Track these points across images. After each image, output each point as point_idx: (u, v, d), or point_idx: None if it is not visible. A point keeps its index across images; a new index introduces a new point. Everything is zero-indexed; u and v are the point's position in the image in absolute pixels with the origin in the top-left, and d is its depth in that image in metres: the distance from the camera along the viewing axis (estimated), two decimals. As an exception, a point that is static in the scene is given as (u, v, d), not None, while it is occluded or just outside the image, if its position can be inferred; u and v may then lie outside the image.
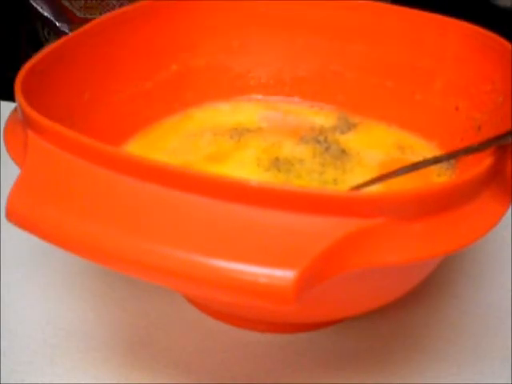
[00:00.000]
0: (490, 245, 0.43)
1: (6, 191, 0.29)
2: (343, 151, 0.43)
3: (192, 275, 0.26)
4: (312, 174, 0.40)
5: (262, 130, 0.45)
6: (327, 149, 0.43)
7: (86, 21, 0.41)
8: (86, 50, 0.40)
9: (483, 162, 0.29)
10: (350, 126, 0.45)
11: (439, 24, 0.43)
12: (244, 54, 0.47)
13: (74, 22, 0.76)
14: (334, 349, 0.37)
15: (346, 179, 0.40)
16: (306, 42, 0.47)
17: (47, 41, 0.79)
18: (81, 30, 0.40)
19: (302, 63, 0.48)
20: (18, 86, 0.33)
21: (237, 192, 0.27)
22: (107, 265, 0.28)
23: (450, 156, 0.35)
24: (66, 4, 0.76)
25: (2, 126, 0.34)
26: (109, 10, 0.73)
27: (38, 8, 0.77)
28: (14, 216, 0.29)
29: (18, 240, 0.42)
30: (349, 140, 0.44)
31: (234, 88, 0.48)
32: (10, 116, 0.35)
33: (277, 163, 0.41)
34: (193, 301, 0.39)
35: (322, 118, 0.46)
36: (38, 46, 0.79)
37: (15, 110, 0.34)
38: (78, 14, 0.76)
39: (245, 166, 0.41)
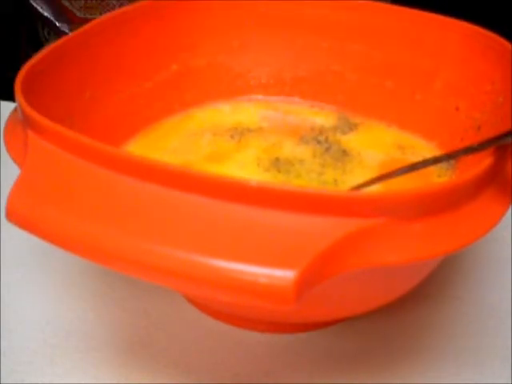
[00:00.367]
0: (490, 245, 0.43)
1: (5, 191, 0.29)
2: (344, 151, 0.43)
3: (192, 275, 0.26)
4: (312, 175, 0.40)
5: (262, 129, 0.45)
6: (328, 149, 0.43)
7: (86, 21, 0.41)
8: (86, 50, 0.40)
9: (483, 162, 0.29)
10: (351, 126, 0.45)
11: (439, 24, 0.43)
12: (244, 54, 0.47)
13: (74, 22, 0.76)
14: (334, 349, 0.37)
15: (346, 180, 0.40)
16: (306, 41, 0.47)
17: (47, 41, 0.79)
18: (81, 29, 0.40)
19: (302, 63, 0.48)
20: (18, 86, 0.33)
21: (237, 192, 0.27)
22: (107, 265, 0.28)
23: (450, 156, 0.35)
24: (66, 4, 0.76)
25: (2, 126, 0.34)
26: (109, 10, 0.73)
27: (38, 8, 0.77)
28: (14, 216, 0.29)
29: (18, 240, 0.42)
30: (350, 140, 0.44)
31: (234, 88, 0.48)
32: (9, 116, 0.35)
33: (277, 163, 0.41)
34: (193, 301, 0.39)
35: (322, 118, 0.46)
36: (38, 45, 0.79)
37: (15, 109, 0.34)
38: (78, 13, 0.76)
39: (245, 166, 0.41)
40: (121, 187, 0.28)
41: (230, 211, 0.27)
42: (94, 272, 0.42)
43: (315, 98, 0.48)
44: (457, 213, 0.28)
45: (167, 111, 0.45)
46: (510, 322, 0.39)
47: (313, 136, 0.44)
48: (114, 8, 0.75)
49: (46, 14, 0.77)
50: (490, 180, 0.29)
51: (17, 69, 0.34)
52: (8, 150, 0.32)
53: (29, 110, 0.31)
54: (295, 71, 0.48)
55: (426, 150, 0.43)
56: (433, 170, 0.40)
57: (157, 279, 0.27)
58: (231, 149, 0.43)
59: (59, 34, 0.76)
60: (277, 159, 0.42)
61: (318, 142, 0.44)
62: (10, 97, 0.38)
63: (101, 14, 0.74)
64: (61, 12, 0.77)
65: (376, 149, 0.43)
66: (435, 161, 0.35)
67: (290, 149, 0.43)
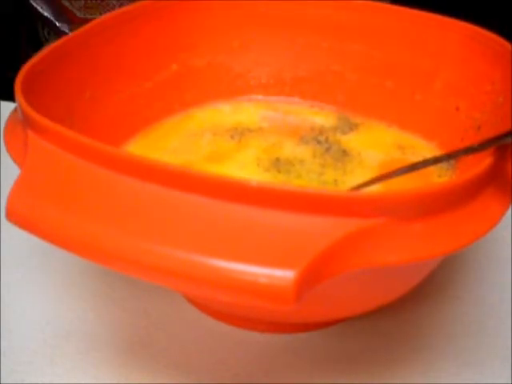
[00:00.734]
0: (490, 245, 0.43)
1: (5, 191, 0.29)
2: (344, 152, 0.43)
3: (192, 275, 0.26)
4: (312, 175, 0.40)
5: (262, 130, 0.45)
6: (328, 149, 0.43)
7: (86, 21, 0.41)
8: (86, 49, 0.40)
9: (483, 162, 0.29)
10: (351, 127, 0.45)
11: (439, 24, 0.43)
12: (244, 54, 0.47)
13: (74, 22, 0.76)
14: (334, 349, 0.37)
15: (346, 180, 0.40)
16: (306, 41, 0.47)
17: (47, 41, 0.79)
18: (81, 29, 0.40)
19: (302, 63, 0.48)
20: (18, 86, 0.33)
21: (237, 192, 0.27)
22: (107, 265, 0.28)
23: (450, 156, 0.35)
24: (66, 4, 0.76)
25: (2, 126, 0.34)
26: (109, 10, 0.73)
27: (38, 8, 0.77)
28: (14, 216, 0.29)
29: (18, 240, 0.42)
30: (350, 140, 0.44)
31: (234, 88, 0.48)
32: (9, 116, 0.35)
33: (277, 163, 0.41)
34: (193, 301, 0.39)
35: (322, 118, 0.46)
36: (38, 45, 0.79)
37: (15, 110, 0.34)
38: (78, 14, 0.76)
39: (245, 166, 0.41)
40: (121, 187, 0.28)
41: (230, 211, 0.27)
42: (93, 272, 0.42)
43: (315, 98, 0.48)
44: (457, 213, 0.28)
45: (167, 111, 0.45)
46: (510, 322, 0.39)
47: (313, 136, 0.44)
48: (113, 8, 0.75)
49: (46, 13, 0.77)
50: (489, 180, 0.29)
51: (17, 69, 0.34)
52: (8, 150, 0.32)
53: (29, 110, 0.31)
54: (295, 71, 0.48)
55: (426, 149, 0.43)
56: (433, 170, 0.40)
57: (157, 279, 0.27)
58: (231, 149, 0.43)
59: (59, 33, 0.76)
60: (277, 159, 0.42)
61: (318, 142, 0.44)
62: (10, 97, 0.38)
63: (101, 14, 0.74)
64: (61, 12, 0.77)
65: (376, 149, 0.43)
66: (435, 161, 0.35)
67: (290, 149, 0.43)
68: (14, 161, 0.32)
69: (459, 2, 0.81)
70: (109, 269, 0.28)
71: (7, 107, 0.36)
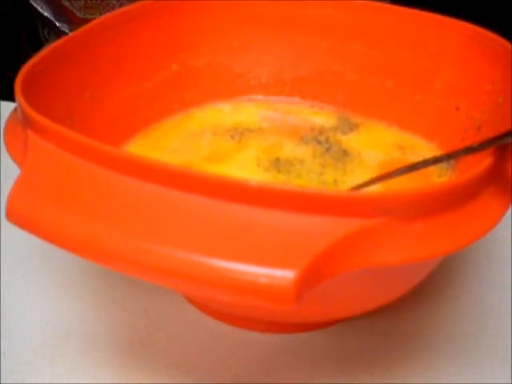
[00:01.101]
0: (490, 245, 0.43)
1: (5, 191, 0.29)
2: (344, 152, 0.43)
3: (192, 275, 0.26)
4: (312, 175, 0.40)
5: (262, 130, 0.45)
6: (328, 149, 0.43)
7: (86, 21, 0.41)
8: (86, 49, 0.40)
9: (483, 162, 0.29)
10: (351, 127, 0.45)
11: (439, 24, 0.43)
12: (244, 54, 0.47)
13: (74, 22, 0.76)
14: (334, 349, 0.37)
15: (346, 180, 0.40)
16: (306, 41, 0.47)
17: (47, 41, 0.79)
18: (81, 29, 0.40)
19: (302, 63, 0.48)
20: (18, 86, 0.33)
21: (237, 192, 0.27)
22: (107, 265, 0.28)
23: (450, 156, 0.35)
24: (66, 4, 0.76)
25: (2, 126, 0.34)
26: (109, 10, 0.73)
27: (38, 8, 0.77)
28: (14, 216, 0.29)
29: (18, 240, 0.42)
30: (350, 140, 0.44)
31: (234, 88, 0.48)
32: (9, 116, 0.35)
33: (277, 163, 0.41)
34: (193, 301, 0.39)
35: (322, 118, 0.46)
36: (38, 45, 0.79)
37: (15, 110, 0.34)
38: (78, 14, 0.76)
39: (245, 166, 0.41)
40: (121, 187, 0.28)
41: (230, 211, 0.27)
42: (93, 272, 0.42)
43: (315, 98, 0.48)
44: (457, 213, 0.28)
45: (167, 111, 0.45)
46: (510, 322, 0.39)
47: (313, 136, 0.44)
48: (114, 8, 0.75)
49: (46, 14, 0.77)
50: (490, 180, 0.29)
51: (17, 69, 0.34)
52: (8, 150, 0.32)
53: (29, 110, 0.31)
54: (295, 71, 0.48)
55: (426, 149, 0.43)
56: (433, 170, 0.40)
57: (157, 279, 0.27)
58: (231, 149, 0.43)
59: (59, 33, 0.76)
60: (277, 159, 0.42)
61: (318, 142, 0.44)
62: (10, 97, 0.38)
63: (101, 14, 0.74)
64: (61, 12, 0.77)
65: (376, 149, 0.43)
66: (435, 161, 0.35)
67: (290, 149, 0.43)
68: (14, 161, 0.32)
69: (459, 2, 0.81)
70: (109, 269, 0.28)
71: (7, 107, 0.36)
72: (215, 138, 0.44)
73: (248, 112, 0.47)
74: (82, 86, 0.40)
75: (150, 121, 0.44)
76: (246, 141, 0.44)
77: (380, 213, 0.27)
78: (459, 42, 0.42)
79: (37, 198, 0.29)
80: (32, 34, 0.81)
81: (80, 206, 0.28)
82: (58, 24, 0.77)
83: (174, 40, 0.45)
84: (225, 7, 0.47)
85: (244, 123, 0.46)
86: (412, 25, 0.44)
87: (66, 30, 0.76)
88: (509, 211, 0.29)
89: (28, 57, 0.36)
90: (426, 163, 0.34)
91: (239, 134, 0.45)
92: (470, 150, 0.33)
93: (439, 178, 0.40)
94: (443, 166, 0.40)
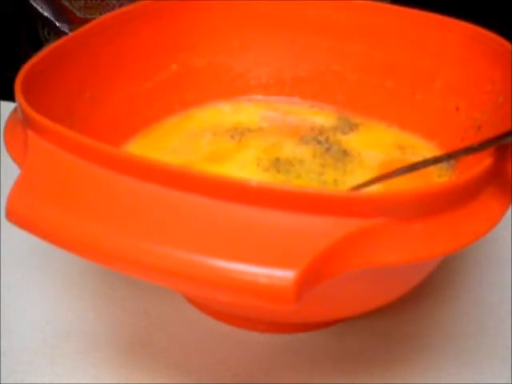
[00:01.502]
0: (490, 245, 0.43)
1: (5, 191, 0.29)
2: (344, 152, 0.43)
3: (192, 275, 0.26)
4: (312, 175, 0.40)
5: (262, 130, 0.45)
6: (328, 149, 0.43)
7: (86, 21, 0.41)
8: (86, 49, 0.40)
9: (483, 162, 0.29)
10: (351, 127, 0.45)
11: (439, 24, 0.43)
12: (244, 54, 0.47)
13: (74, 22, 0.76)
14: (334, 349, 0.37)
15: (346, 180, 0.40)
16: (306, 41, 0.47)
17: (47, 41, 0.79)
18: (81, 29, 0.40)
19: (302, 63, 0.48)
20: (18, 86, 0.33)
21: (237, 192, 0.27)
22: (107, 265, 0.28)
23: (450, 156, 0.35)
24: (66, 4, 0.76)
25: (2, 126, 0.34)
26: (109, 10, 0.73)
27: (38, 8, 0.77)
28: (14, 216, 0.29)
29: (18, 240, 0.42)
30: (350, 140, 0.44)
31: (234, 88, 0.48)
32: (9, 116, 0.35)
33: (277, 163, 0.41)
34: (193, 301, 0.39)
35: (322, 118, 0.46)
36: (38, 45, 0.79)
37: (15, 110, 0.34)
38: (78, 14, 0.76)
39: (245, 166, 0.41)
40: (121, 187, 0.28)
41: (230, 211, 0.27)
42: (93, 272, 0.42)
43: (315, 98, 0.48)
44: (457, 213, 0.28)
45: (167, 111, 0.45)
46: (510, 321, 0.39)
47: (313, 136, 0.44)
48: (113, 8, 0.75)
49: (46, 14, 0.77)
50: (490, 180, 0.29)
51: (17, 69, 0.34)
52: (8, 150, 0.32)
53: (29, 110, 0.31)
54: (295, 71, 0.48)
55: (426, 149, 0.43)
56: (433, 170, 0.40)
57: (157, 279, 0.27)
58: (231, 149, 0.43)
59: (59, 33, 0.76)
60: (277, 159, 0.42)
61: (318, 142, 0.44)
62: (10, 97, 0.38)
63: (101, 14, 0.74)
64: (61, 12, 0.77)
65: (376, 149, 0.43)
66: (435, 161, 0.35)
67: (290, 149, 0.43)
68: (14, 161, 0.32)
69: (459, 2, 0.81)
70: (109, 269, 0.28)
71: (7, 107, 0.36)
72: (215, 138, 0.44)
73: (248, 112, 0.47)
74: (82, 86, 0.40)
75: (150, 121, 0.44)
76: (245, 141, 0.44)
77: (380, 213, 0.27)
78: (459, 42, 0.42)
79: (37, 198, 0.29)
80: (32, 34, 0.81)
81: (80, 206, 0.28)
82: (58, 24, 0.77)
83: (174, 40, 0.45)
84: (225, 7, 0.47)
85: (244, 123, 0.46)
86: (412, 25, 0.44)
87: (66, 30, 0.76)
88: (509, 211, 0.29)
89: (28, 57, 0.36)
90: (425, 163, 0.34)
91: (239, 134, 0.45)
92: (470, 150, 0.33)
93: (439, 178, 0.40)
94: (443, 165, 0.40)
